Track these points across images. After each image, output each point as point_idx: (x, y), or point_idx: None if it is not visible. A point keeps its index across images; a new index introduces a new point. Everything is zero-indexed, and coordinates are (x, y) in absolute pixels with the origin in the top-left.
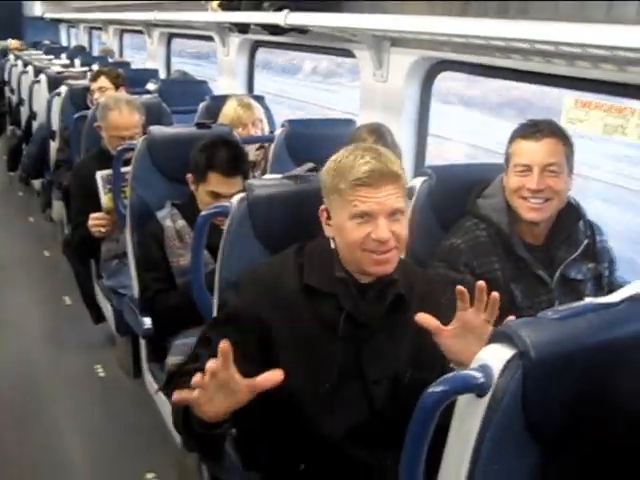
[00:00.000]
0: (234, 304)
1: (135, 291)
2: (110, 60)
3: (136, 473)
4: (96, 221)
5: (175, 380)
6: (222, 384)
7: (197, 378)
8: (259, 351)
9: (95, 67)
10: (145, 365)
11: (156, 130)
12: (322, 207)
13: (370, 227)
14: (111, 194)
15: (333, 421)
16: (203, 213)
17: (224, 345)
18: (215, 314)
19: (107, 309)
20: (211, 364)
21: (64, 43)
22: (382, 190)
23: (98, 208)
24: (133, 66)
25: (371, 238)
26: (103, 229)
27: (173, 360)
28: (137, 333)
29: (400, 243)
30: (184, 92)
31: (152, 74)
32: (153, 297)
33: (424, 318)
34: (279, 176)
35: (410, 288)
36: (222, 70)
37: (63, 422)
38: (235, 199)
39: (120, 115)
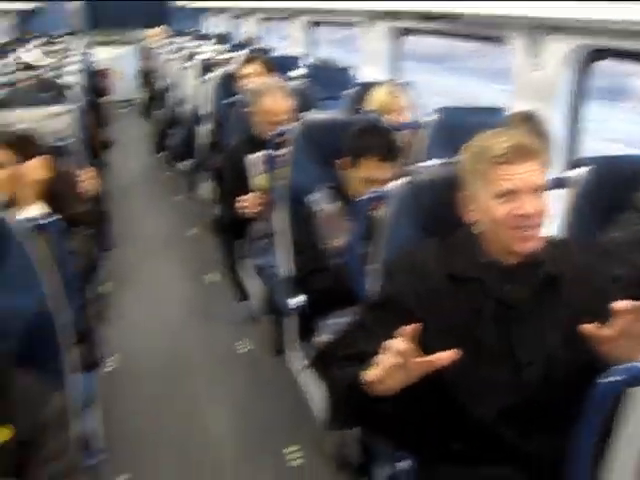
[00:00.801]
0: (386, 291)
1: (286, 270)
2: (253, 47)
3: (279, 448)
4: (247, 202)
5: (327, 359)
6: (403, 363)
7: (386, 357)
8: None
9: (240, 54)
10: (291, 343)
11: (312, 115)
12: (462, 193)
13: (514, 204)
14: (264, 175)
15: (485, 404)
16: (363, 197)
17: (411, 327)
18: (369, 298)
19: (253, 287)
20: (399, 344)
21: (205, 31)
22: (523, 167)
23: (248, 189)
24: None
25: (516, 215)
26: (254, 210)
27: (323, 339)
28: (286, 311)
29: (543, 220)
30: (328, 79)
31: (293, 61)
32: (305, 277)
33: (586, 328)
34: (438, 162)
35: (561, 268)
36: (366, 57)
37: (207, 394)
38: (396, 184)
39: (273, 100)
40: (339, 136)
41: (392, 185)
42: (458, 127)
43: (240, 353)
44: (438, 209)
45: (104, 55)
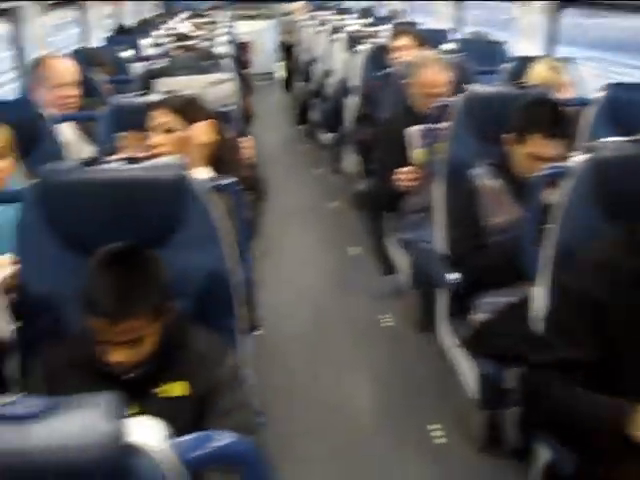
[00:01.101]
0: (576, 286)
1: (441, 246)
2: (397, 21)
3: (422, 425)
4: (404, 175)
5: (483, 339)
6: None
7: None
8: (592, 335)
9: (386, 27)
10: (443, 319)
11: (475, 89)
12: None
13: None
14: (423, 149)
15: None
16: (539, 173)
17: None
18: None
19: (402, 261)
20: None
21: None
22: None
23: (403, 163)
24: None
25: None
26: (410, 183)
27: (479, 317)
28: (441, 287)
29: None
30: (480, 53)
31: (443, 35)
32: (464, 253)
33: None
34: (622, 139)
35: None
36: (521, 31)
37: (350, 365)
38: (577, 160)
39: (432, 73)
40: (503, 110)
41: (571, 161)
42: (626, 105)
43: (383, 327)
44: (625, 190)
45: (244, 29)
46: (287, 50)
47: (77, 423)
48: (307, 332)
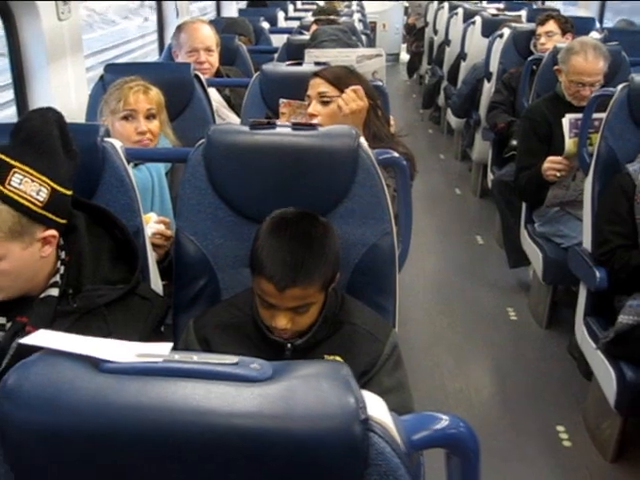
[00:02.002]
0: None
1: (588, 242)
2: (534, 6)
3: (547, 424)
4: (553, 164)
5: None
6: None
7: None
8: None
9: (521, 13)
10: (581, 318)
11: (638, 79)
12: None
13: None
14: (576, 139)
15: None
16: None
17: None
18: None
19: (535, 255)
20: None
21: None
22: None
23: (547, 153)
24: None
25: None
26: (558, 173)
27: (625, 319)
28: (584, 284)
29: None
30: (630, 43)
31: (590, 23)
32: (613, 251)
33: None
34: None
35: None
36: None
37: (472, 355)
38: None
39: (585, 60)
40: None
41: None
42: None
43: (509, 319)
44: None
45: (370, 9)
46: (414, 32)
47: (313, 391)
48: (431, 318)
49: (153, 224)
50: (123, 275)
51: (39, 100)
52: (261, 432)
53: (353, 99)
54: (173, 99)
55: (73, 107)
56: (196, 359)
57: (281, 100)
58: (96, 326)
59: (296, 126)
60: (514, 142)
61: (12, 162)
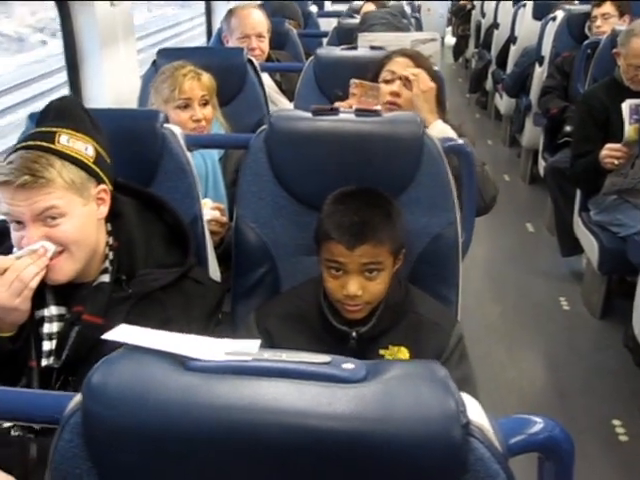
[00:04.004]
0: None
1: None
2: None
3: (602, 418)
4: (612, 152)
5: None
6: None
7: None
8: None
9: None
10: (639, 309)
11: None
12: None
13: None
14: (636, 125)
15: None
16: None
17: None
18: None
19: (589, 244)
20: None
21: None
22: None
23: (604, 140)
24: None
25: None
26: (617, 161)
27: None
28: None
29: None
30: None
31: None
32: None
33: None
34: None
35: None
36: None
37: (524, 344)
38: None
39: None
40: None
41: None
42: None
43: (561, 309)
44: None
45: None
46: (461, 14)
47: (411, 393)
48: (482, 307)
49: (208, 211)
50: (177, 259)
51: (92, 85)
52: (357, 435)
53: (427, 78)
54: (226, 84)
55: (125, 91)
56: (286, 357)
57: (352, 80)
58: (154, 311)
59: (359, 112)
60: (568, 128)
61: (54, 129)
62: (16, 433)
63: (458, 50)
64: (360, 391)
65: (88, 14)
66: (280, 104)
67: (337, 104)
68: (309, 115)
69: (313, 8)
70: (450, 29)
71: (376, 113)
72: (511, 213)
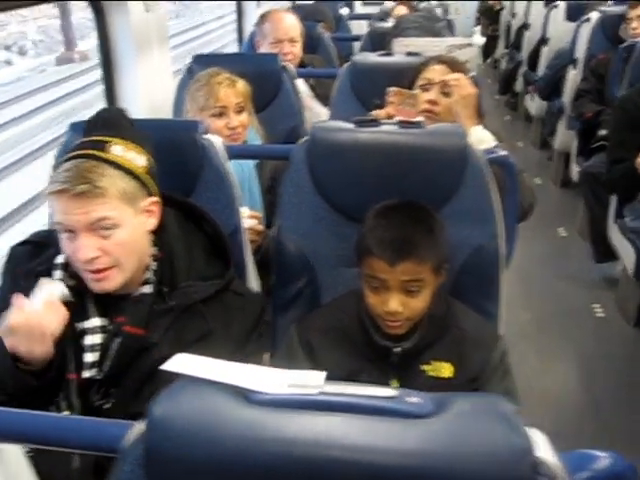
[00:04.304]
0: None
1: None
2: None
3: (636, 433)
4: None
5: None
6: None
7: None
8: None
9: None
10: None
11: None
12: None
13: None
14: None
15: None
16: None
17: None
18: None
19: (625, 250)
20: None
21: None
22: None
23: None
24: None
25: None
26: None
27: None
28: None
29: None
30: None
31: None
32: None
33: None
34: None
35: None
36: None
37: (557, 352)
38: None
39: None
40: None
41: None
42: None
43: (595, 316)
44: None
45: None
46: (490, 15)
47: (480, 429)
48: (514, 312)
49: (245, 219)
50: (218, 270)
51: (127, 91)
52: (426, 472)
53: (468, 83)
54: (260, 90)
55: (159, 98)
56: (351, 391)
57: (390, 89)
58: (195, 324)
59: (402, 124)
60: (603, 132)
61: (107, 138)
62: None
63: (487, 50)
64: (428, 427)
65: (123, 20)
66: (314, 110)
67: (375, 113)
68: (351, 126)
69: (344, 11)
70: (478, 29)
71: (419, 125)
72: (542, 217)
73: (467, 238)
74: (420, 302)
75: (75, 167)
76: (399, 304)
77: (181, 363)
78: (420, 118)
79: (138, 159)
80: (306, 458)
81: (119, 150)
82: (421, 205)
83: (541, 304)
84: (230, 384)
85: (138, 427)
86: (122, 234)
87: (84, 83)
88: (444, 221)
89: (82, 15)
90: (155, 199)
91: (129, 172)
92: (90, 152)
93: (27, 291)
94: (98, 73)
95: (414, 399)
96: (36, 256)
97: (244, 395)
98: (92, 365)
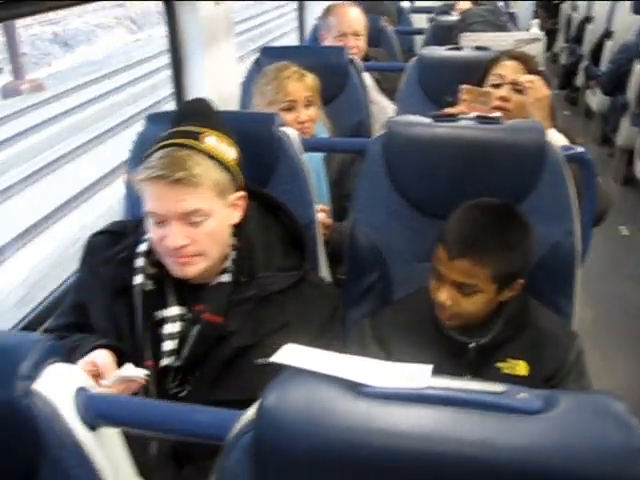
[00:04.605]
0: None
1: None
2: None
3: None
4: None
5: None
6: None
7: None
8: None
9: None
10: None
11: None
12: None
13: None
14: None
15: None
16: None
17: None
18: None
19: None
20: None
21: None
22: None
23: None
24: None
25: None
26: None
27: None
28: None
29: None
30: None
31: None
32: None
33: None
34: None
35: None
36: None
37: (620, 352)
38: None
39: None
40: None
41: None
42: None
43: None
44: None
45: None
46: (549, 8)
47: (592, 427)
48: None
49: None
50: (295, 262)
51: (194, 84)
52: (536, 468)
53: (542, 85)
54: (327, 84)
55: (225, 90)
56: (459, 386)
57: (462, 86)
58: (272, 314)
59: (480, 119)
60: None
61: (199, 129)
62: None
63: (545, 44)
64: (539, 423)
65: (192, 14)
66: (380, 104)
67: (447, 110)
68: (428, 121)
69: (405, 4)
70: (536, 22)
71: (497, 120)
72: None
73: (544, 235)
74: (471, 305)
75: (170, 155)
76: (448, 298)
77: (290, 355)
78: (497, 114)
79: (229, 151)
80: (417, 452)
81: (213, 141)
82: (512, 214)
83: (602, 303)
84: (339, 376)
85: (247, 416)
86: (211, 224)
87: (27, 124)
88: None
89: (50, 30)
90: (242, 193)
91: (222, 163)
92: (184, 141)
93: (106, 279)
94: (54, 108)
95: (522, 395)
96: (113, 245)
97: (353, 387)
98: (170, 353)
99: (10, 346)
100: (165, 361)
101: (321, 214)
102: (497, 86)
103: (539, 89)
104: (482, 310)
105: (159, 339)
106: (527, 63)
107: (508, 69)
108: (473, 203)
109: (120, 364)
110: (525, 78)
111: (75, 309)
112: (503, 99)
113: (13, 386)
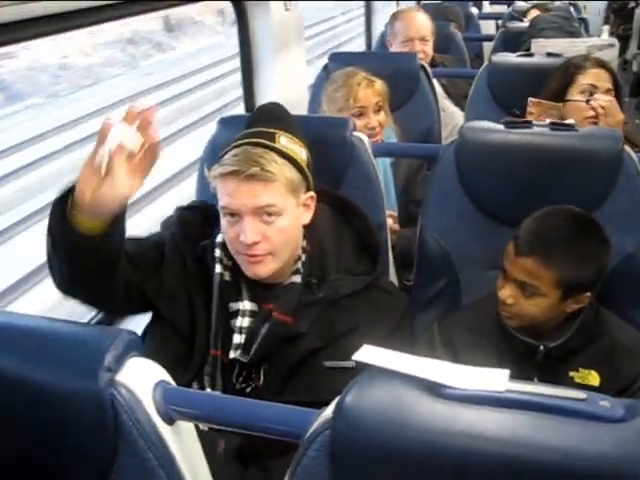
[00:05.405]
0: None
1: None
2: None
3: None
4: None
5: None
6: None
7: None
8: None
9: None
10: None
11: None
12: None
13: None
14: None
15: None
16: None
17: None
18: None
19: None
20: None
21: None
22: None
23: None
24: None
25: None
26: None
27: None
28: None
29: None
30: None
31: None
32: None
33: None
34: None
35: None
36: None
37: None
38: None
39: None
40: None
41: None
42: None
43: None
44: None
45: None
46: (622, 14)
47: None
48: None
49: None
50: (366, 266)
51: (265, 89)
52: (621, 477)
53: (617, 110)
54: (397, 90)
55: (294, 96)
56: (539, 391)
57: (530, 99)
58: (341, 317)
59: (554, 125)
60: None
61: (272, 130)
62: (205, 427)
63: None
64: (623, 431)
65: (264, 19)
66: (448, 110)
67: None
68: (501, 127)
69: (473, 10)
70: (606, 28)
71: (572, 127)
72: None
73: (618, 244)
74: (532, 307)
75: (244, 152)
76: (510, 296)
77: (370, 354)
78: (571, 121)
79: (301, 152)
80: (498, 455)
81: (286, 141)
82: (591, 226)
83: None
84: (418, 377)
85: (325, 415)
86: (284, 222)
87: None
88: None
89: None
90: (312, 194)
91: (294, 163)
92: (258, 140)
93: (183, 254)
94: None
95: (605, 403)
96: (200, 225)
97: (433, 388)
98: (238, 347)
99: (94, 339)
100: (232, 354)
101: (389, 220)
102: (588, 94)
103: (614, 115)
104: (544, 315)
105: (230, 331)
106: (612, 71)
107: (599, 78)
108: (556, 207)
109: None
110: (601, 102)
111: (154, 245)
112: (602, 108)
113: (97, 377)
